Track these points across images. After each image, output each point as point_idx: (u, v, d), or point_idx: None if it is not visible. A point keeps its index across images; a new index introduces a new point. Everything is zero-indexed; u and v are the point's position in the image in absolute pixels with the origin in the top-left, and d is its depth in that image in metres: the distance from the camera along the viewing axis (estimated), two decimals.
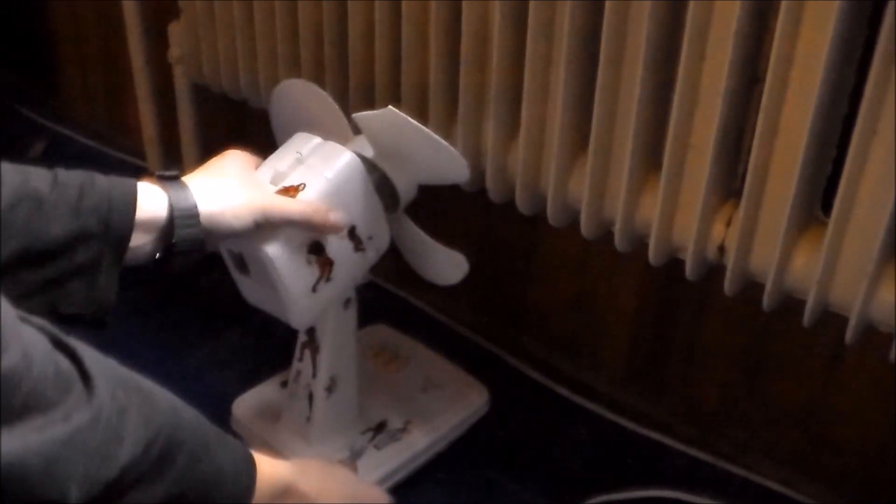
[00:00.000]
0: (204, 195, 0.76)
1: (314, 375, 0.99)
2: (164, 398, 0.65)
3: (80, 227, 0.68)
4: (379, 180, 0.88)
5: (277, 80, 1.12)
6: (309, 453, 1.01)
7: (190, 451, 0.64)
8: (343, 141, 0.90)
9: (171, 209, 0.74)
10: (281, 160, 0.87)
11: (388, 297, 1.32)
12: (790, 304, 0.85)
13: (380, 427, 1.06)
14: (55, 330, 0.58)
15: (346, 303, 0.96)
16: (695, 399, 1.12)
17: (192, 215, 0.75)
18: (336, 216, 0.83)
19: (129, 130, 1.56)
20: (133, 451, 0.57)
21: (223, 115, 1.40)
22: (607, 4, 0.81)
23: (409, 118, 0.83)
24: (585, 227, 0.93)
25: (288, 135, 0.91)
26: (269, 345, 1.21)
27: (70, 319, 0.70)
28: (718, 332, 1.07)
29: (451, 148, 0.85)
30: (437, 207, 1.13)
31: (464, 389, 1.12)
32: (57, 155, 1.65)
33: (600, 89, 0.85)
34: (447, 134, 1.00)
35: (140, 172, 1.33)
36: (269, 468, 0.74)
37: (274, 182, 0.85)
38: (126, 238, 0.71)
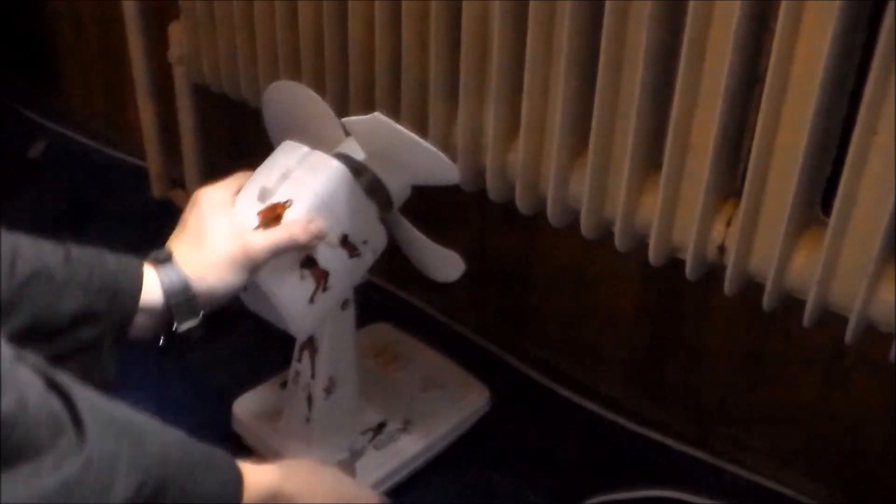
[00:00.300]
0: (193, 269, 0.77)
1: (313, 376, 0.99)
2: (154, 434, 0.66)
3: (87, 307, 0.70)
4: (370, 182, 0.88)
5: (277, 80, 1.12)
6: (308, 454, 1.01)
7: (179, 487, 0.65)
8: (334, 143, 0.89)
9: (167, 296, 0.75)
10: (267, 175, 0.86)
11: (388, 297, 1.32)
12: (790, 304, 0.85)
13: (379, 427, 1.06)
14: (50, 369, 0.58)
15: (344, 304, 0.96)
16: (695, 399, 1.12)
17: (188, 298, 0.76)
18: (317, 225, 0.83)
19: (129, 130, 1.56)
20: (124, 497, 0.58)
21: (223, 115, 1.40)
22: (607, 4, 0.81)
23: (395, 124, 0.82)
24: (585, 227, 0.93)
25: (281, 136, 0.90)
26: (269, 345, 1.20)
27: None
28: (718, 332, 1.07)
29: (438, 152, 0.84)
30: (437, 208, 1.13)
31: (464, 389, 1.12)
32: (57, 155, 1.65)
33: (600, 89, 0.85)
34: (447, 134, 1.00)
35: (140, 172, 1.33)
36: (255, 477, 0.75)
37: (261, 199, 0.84)
38: (129, 320, 0.73)
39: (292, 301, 0.85)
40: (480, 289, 1.24)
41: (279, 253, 0.81)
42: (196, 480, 0.68)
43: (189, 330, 0.77)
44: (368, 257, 0.90)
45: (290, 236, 0.81)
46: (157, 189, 1.51)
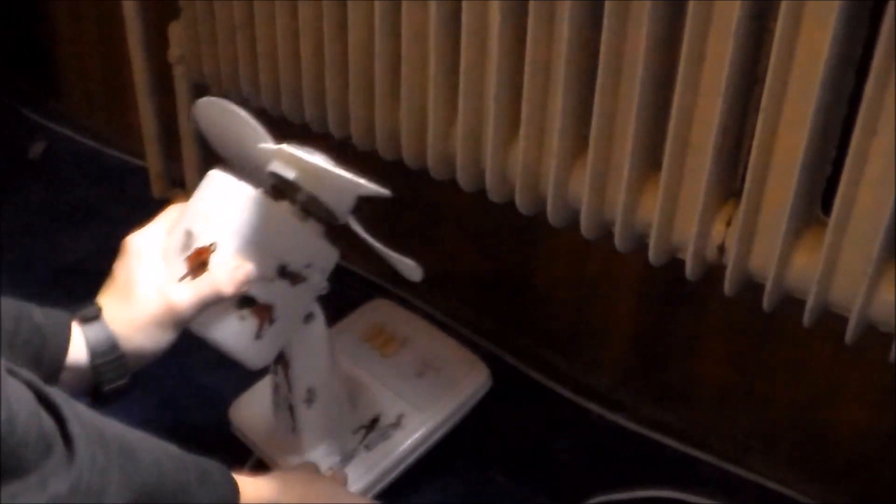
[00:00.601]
0: (121, 328, 0.75)
1: (290, 390, 0.96)
2: (146, 450, 0.65)
3: (11, 362, 0.68)
4: (306, 200, 0.83)
5: (277, 80, 1.12)
6: (301, 460, 1.00)
7: (173, 503, 0.64)
8: (266, 160, 0.83)
9: (93, 357, 0.73)
10: (192, 215, 0.81)
11: (387, 296, 1.32)
12: (790, 304, 0.85)
13: (372, 423, 1.05)
14: (41, 385, 0.57)
15: (308, 317, 0.91)
16: (694, 399, 1.12)
17: (115, 359, 0.74)
18: (244, 272, 0.79)
19: (129, 130, 1.56)
20: None
21: None
22: (607, 4, 0.81)
23: (303, 155, 0.77)
24: (585, 227, 0.93)
25: (221, 151, 0.87)
26: None
27: None
28: (718, 332, 1.07)
29: (345, 174, 0.77)
30: (436, 208, 1.13)
31: (462, 370, 1.10)
32: (57, 155, 1.65)
33: (600, 89, 0.85)
34: (447, 133, 1.00)
35: (140, 172, 1.33)
36: (252, 491, 0.74)
37: (186, 247, 0.80)
38: (55, 376, 0.71)
39: (236, 342, 0.82)
40: (480, 288, 1.24)
41: (207, 306, 0.78)
42: (190, 496, 0.67)
43: (117, 388, 0.75)
44: (316, 278, 0.85)
45: (215, 289, 0.77)
46: (157, 189, 1.51)
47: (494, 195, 0.99)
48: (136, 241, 0.80)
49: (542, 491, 1.06)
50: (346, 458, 1.01)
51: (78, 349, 0.73)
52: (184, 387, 1.19)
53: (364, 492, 1.00)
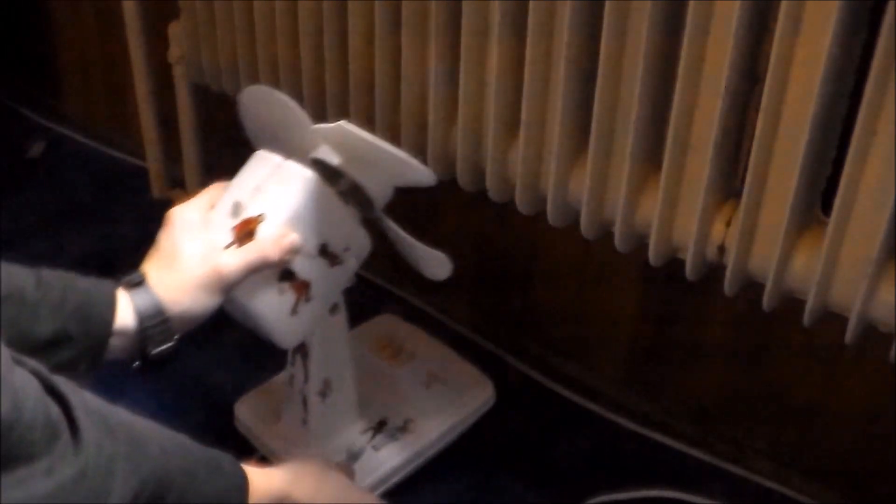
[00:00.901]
0: (167, 292, 0.76)
1: (306, 380, 0.98)
2: (154, 438, 0.65)
3: (61, 330, 0.69)
4: (348, 187, 0.86)
5: (277, 80, 1.12)
6: (307, 455, 1.01)
7: (179, 492, 0.65)
8: (310, 147, 0.87)
9: (140, 321, 0.74)
10: (240, 188, 0.84)
11: (388, 296, 1.32)
12: (790, 304, 0.85)
13: (379, 426, 1.06)
14: (48, 373, 0.58)
15: (334, 308, 0.95)
16: (695, 399, 1.12)
17: (161, 322, 0.75)
18: (290, 239, 0.82)
19: (129, 130, 1.56)
20: (121, 501, 0.57)
21: (223, 115, 1.40)
22: (607, 4, 0.81)
23: (362, 132, 0.80)
24: (585, 227, 0.93)
25: (259, 140, 0.89)
26: (270, 345, 1.21)
27: None
28: (718, 331, 1.07)
29: (408, 158, 0.82)
30: (436, 208, 1.14)
31: (467, 385, 1.11)
32: (57, 155, 1.65)
33: (600, 89, 0.85)
34: (447, 133, 1.00)
35: (140, 172, 1.33)
36: (262, 482, 0.74)
37: (234, 214, 0.83)
38: (105, 342, 0.72)
39: (273, 315, 0.84)
40: (480, 288, 1.24)
41: (253, 272, 0.80)
42: (199, 484, 0.67)
43: (163, 353, 0.76)
44: (352, 263, 0.88)
45: (263, 255, 0.80)
46: (157, 189, 1.51)
47: (494, 195, 0.99)
48: (180, 212, 0.82)
49: (543, 491, 1.06)
50: (353, 456, 1.02)
51: (126, 314, 0.74)
52: (184, 386, 1.19)
53: (371, 489, 1.00)
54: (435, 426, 1.06)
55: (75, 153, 1.66)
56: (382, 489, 1.02)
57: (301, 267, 0.84)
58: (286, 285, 0.84)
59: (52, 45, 1.71)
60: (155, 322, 0.75)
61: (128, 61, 1.39)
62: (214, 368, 1.21)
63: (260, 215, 0.82)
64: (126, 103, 1.53)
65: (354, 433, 1.04)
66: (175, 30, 1.26)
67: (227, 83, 1.21)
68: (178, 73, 1.30)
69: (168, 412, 1.15)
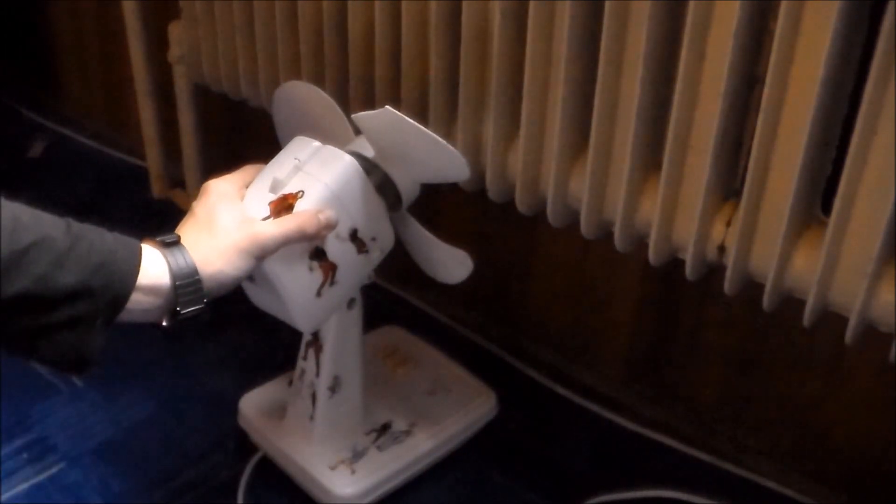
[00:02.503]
0: (201, 255, 0.76)
1: (318, 375, 0.99)
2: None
3: (85, 282, 0.69)
4: (381, 180, 0.88)
5: (277, 80, 1.12)
6: (311, 452, 1.01)
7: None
8: (344, 142, 0.90)
9: (174, 278, 0.74)
10: (280, 167, 0.86)
11: (388, 296, 1.32)
12: (790, 304, 0.85)
13: (384, 428, 1.06)
14: None
15: (351, 303, 0.96)
16: (694, 399, 1.12)
17: (194, 282, 0.75)
18: (327, 215, 0.83)
19: (129, 130, 1.56)
20: None
21: (223, 115, 1.40)
22: (607, 4, 0.81)
23: (406, 117, 0.83)
24: (585, 227, 0.93)
25: (290, 136, 0.91)
26: (271, 344, 1.21)
27: (48, 363, 0.70)
28: (718, 332, 1.07)
29: (449, 146, 0.84)
30: (436, 208, 1.13)
31: (471, 394, 1.12)
32: (57, 155, 1.66)
33: (600, 89, 0.85)
34: (447, 134, 1.00)
35: (140, 172, 1.33)
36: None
37: (273, 190, 0.84)
38: (124, 300, 0.72)
39: (299, 292, 0.85)
40: (481, 289, 1.24)
41: (288, 242, 0.81)
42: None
43: (192, 314, 0.76)
44: (376, 255, 0.90)
45: (300, 226, 0.81)
46: (157, 189, 1.51)
47: (494, 195, 0.99)
48: (216, 184, 0.83)
49: (543, 491, 1.06)
50: (358, 455, 1.03)
51: (160, 271, 0.74)
52: (184, 386, 1.19)
53: (372, 489, 1.01)
54: (438, 432, 1.07)
55: (75, 153, 1.66)
56: (385, 490, 1.02)
57: (332, 247, 0.86)
58: (316, 264, 0.85)
59: (52, 45, 1.71)
60: (188, 281, 0.75)
61: (128, 61, 1.39)
62: (215, 368, 1.21)
63: (299, 192, 0.84)
64: (126, 103, 1.53)
65: (359, 433, 1.05)
66: (175, 30, 1.26)
67: (227, 83, 1.21)
68: (178, 73, 1.30)
69: (168, 412, 1.15)
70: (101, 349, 0.71)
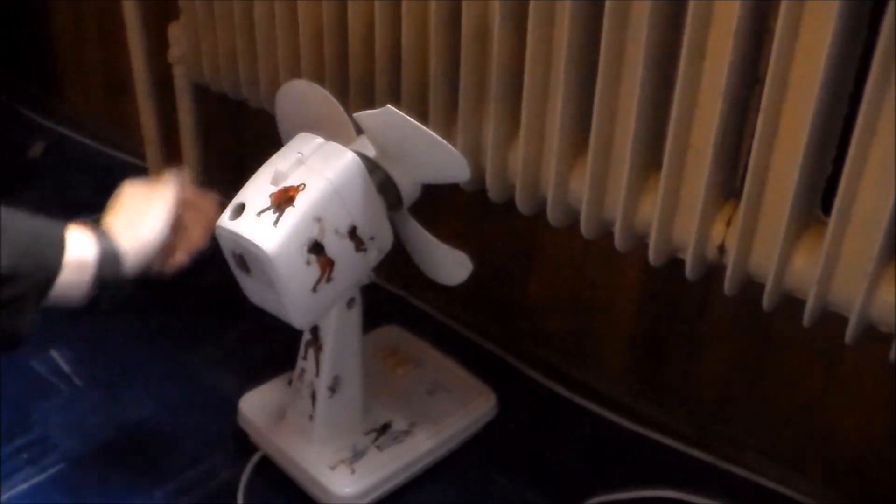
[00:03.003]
0: (123, 229, 0.81)
1: (317, 374, 0.99)
2: None
3: (13, 266, 0.71)
4: (381, 180, 0.89)
5: (277, 80, 1.12)
6: (311, 451, 1.01)
7: None
8: (346, 141, 0.90)
9: (99, 253, 0.77)
10: (282, 160, 0.87)
11: (388, 296, 1.32)
12: (790, 304, 0.85)
13: (384, 428, 1.06)
14: None
15: (350, 302, 0.96)
16: (695, 399, 1.12)
17: (116, 254, 0.79)
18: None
19: (129, 130, 1.56)
20: None
21: (223, 115, 1.40)
22: (607, 4, 0.81)
23: (408, 117, 0.83)
24: (585, 227, 0.93)
25: (293, 135, 0.91)
26: (271, 344, 1.21)
27: None
28: (718, 332, 1.07)
29: (450, 146, 0.85)
30: (436, 208, 1.13)
31: (471, 394, 1.12)
32: (57, 155, 1.65)
33: (600, 89, 0.85)
34: (447, 134, 1.00)
35: (140, 172, 1.34)
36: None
37: (275, 182, 0.85)
38: (52, 281, 0.74)
39: (295, 286, 0.86)
40: (481, 289, 1.24)
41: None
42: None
43: (116, 291, 0.79)
44: (374, 255, 0.90)
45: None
46: None
47: (494, 195, 0.99)
48: (132, 184, 0.90)
49: (543, 491, 1.06)
50: (357, 454, 1.03)
51: (86, 248, 0.77)
52: (184, 386, 1.19)
53: (372, 489, 1.01)
54: (438, 432, 1.07)
55: (75, 153, 1.66)
56: (384, 490, 1.02)
57: (331, 243, 0.86)
58: (314, 258, 0.86)
59: (52, 45, 1.71)
60: (111, 254, 0.78)
61: (128, 61, 1.39)
62: (215, 368, 1.21)
63: (300, 185, 0.85)
64: (126, 103, 1.53)
65: (359, 433, 1.05)
66: (175, 30, 1.26)
67: (227, 83, 1.21)
68: (178, 73, 1.30)
69: (168, 412, 1.15)
70: (33, 326, 0.73)
